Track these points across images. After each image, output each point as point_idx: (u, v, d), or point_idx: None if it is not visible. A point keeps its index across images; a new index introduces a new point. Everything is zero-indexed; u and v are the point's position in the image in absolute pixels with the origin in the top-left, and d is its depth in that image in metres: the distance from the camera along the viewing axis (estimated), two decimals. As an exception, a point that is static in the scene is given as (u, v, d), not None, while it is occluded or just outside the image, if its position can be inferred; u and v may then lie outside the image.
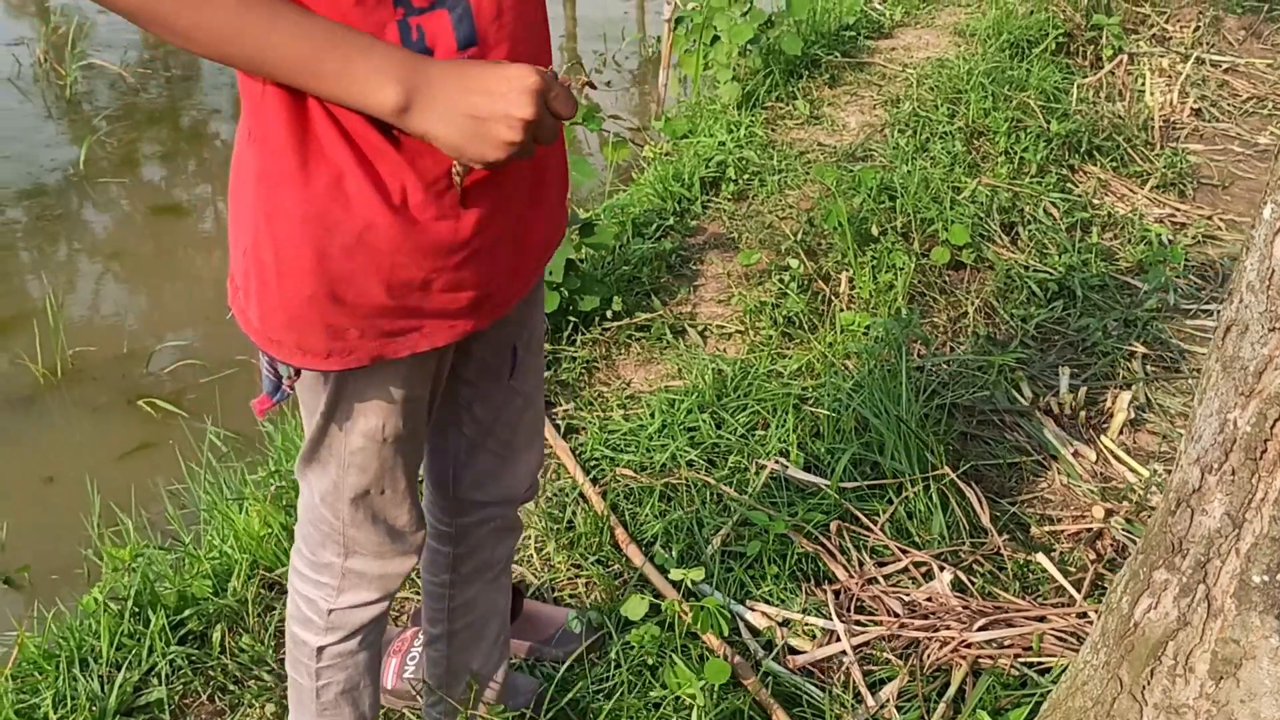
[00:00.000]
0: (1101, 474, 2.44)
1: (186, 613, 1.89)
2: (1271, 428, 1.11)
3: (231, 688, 1.81)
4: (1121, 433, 2.55)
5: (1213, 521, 1.19)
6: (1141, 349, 2.82)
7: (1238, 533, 1.16)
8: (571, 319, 2.71)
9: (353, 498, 1.25)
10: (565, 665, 1.85)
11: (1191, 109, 4.03)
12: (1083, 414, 2.59)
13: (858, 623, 1.93)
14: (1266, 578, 1.11)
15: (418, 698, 1.76)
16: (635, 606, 1.83)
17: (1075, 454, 2.48)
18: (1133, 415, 2.58)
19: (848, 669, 1.83)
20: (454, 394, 1.35)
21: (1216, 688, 1.18)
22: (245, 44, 0.92)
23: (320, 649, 1.36)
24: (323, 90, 0.95)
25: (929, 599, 1.96)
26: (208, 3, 0.90)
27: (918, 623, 1.89)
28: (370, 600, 1.34)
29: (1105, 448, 2.50)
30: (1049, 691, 1.66)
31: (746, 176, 3.49)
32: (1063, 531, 2.25)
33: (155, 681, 1.79)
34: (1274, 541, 1.10)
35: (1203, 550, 1.20)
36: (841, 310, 2.82)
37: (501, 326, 1.29)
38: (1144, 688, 1.27)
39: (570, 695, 1.77)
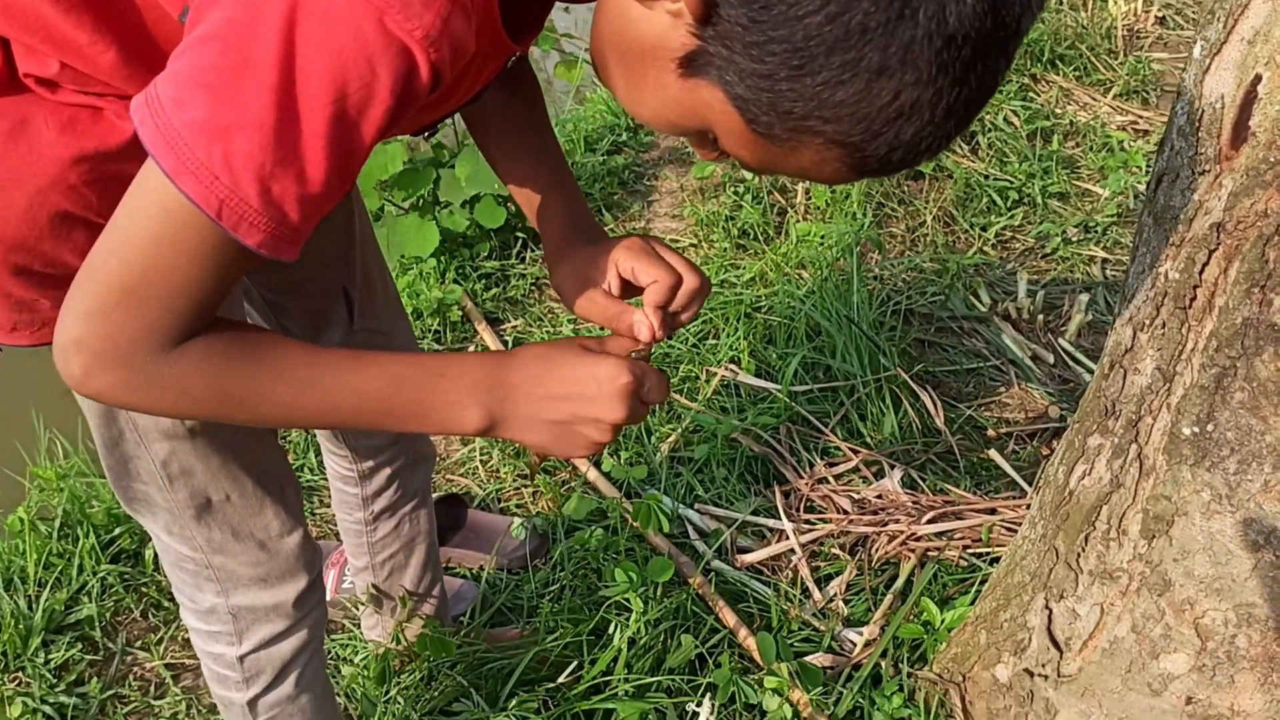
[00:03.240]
0: (1060, 376, 2.41)
1: (118, 530, 1.84)
2: (1200, 273, 1.07)
3: (165, 604, 1.77)
4: (1080, 335, 2.51)
5: (1144, 379, 1.15)
6: (1101, 253, 2.77)
7: (1168, 386, 1.12)
8: (520, 235, 2.65)
9: (194, 515, 1.04)
10: (509, 571, 1.82)
11: (1155, 17, 3.95)
12: (1041, 318, 2.56)
13: (807, 521, 1.89)
14: (1197, 429, 1.08)
15: (355, 609, 1.72)
16: (577, 506, 1.79)
17: (1033, 357, 2.45)
18: (1091, 318, 2.54)
19: (795, 566, 1.80)
20: None
21: (1149, 547, 1.15)
22: (309, 413, 0.81)
23: (251, 703, 1.17)
24: (401, 428, 0.84)
25: (879, 496, 1.93)
26: (264, 400, 0.78)
27: (867, 519, 1.86)
28: (281, 631, 1.14)
29: (1063, 350, 2.46)
30: (995, 578, 1.63)
31: (702, 93, 3.41)
32: (1018, 431, 2.22)
33: (86, 599, 1.74)
34: (1203, 390, 1.07)
35: (1134, 409, 1.16)
36: (797, 221, 2.77)
37: (311, 272, 1.15)
38: (1079, 555, 1.24)
39: (505, 599, 1.74)
